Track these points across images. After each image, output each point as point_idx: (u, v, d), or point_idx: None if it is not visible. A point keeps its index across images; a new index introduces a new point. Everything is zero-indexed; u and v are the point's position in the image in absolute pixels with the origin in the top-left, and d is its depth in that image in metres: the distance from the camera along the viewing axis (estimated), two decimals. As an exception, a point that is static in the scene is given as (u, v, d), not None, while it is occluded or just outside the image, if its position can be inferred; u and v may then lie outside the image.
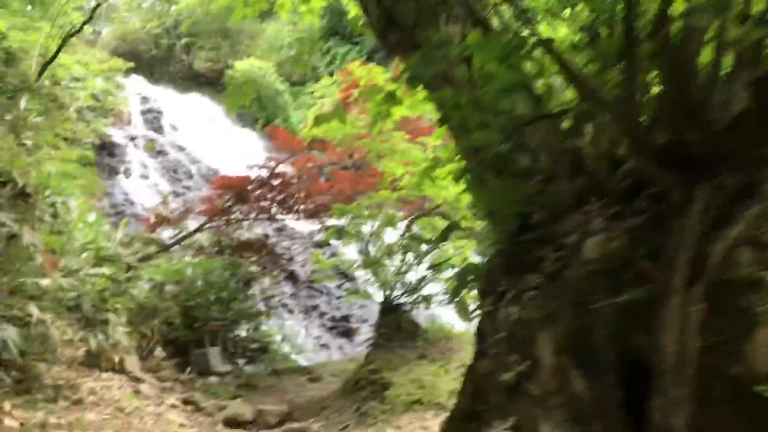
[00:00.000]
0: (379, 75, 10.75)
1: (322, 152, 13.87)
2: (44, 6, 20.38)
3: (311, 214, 14.13)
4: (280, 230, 25.24)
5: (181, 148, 29.63)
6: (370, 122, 7.15)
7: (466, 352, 9.58)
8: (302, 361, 15.90)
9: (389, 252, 10.72)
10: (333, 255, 23.46)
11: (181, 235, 14.71)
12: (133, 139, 29.16)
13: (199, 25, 40.74)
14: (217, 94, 38.79)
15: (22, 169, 7.89)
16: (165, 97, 35.65)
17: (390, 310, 11.01)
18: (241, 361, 14.05)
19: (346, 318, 20.71)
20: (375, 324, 11.06)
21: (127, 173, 26.01)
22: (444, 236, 6.50)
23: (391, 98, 7.37)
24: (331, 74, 35.88)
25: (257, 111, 36.45)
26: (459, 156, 4.98)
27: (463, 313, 6.12)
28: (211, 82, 39.53)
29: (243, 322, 14.76)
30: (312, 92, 36.59)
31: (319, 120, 7.07)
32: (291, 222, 24.47)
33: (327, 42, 39.72)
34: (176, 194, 24.56)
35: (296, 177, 13.08)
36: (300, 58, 6.25)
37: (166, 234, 15.88)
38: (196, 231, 14.28)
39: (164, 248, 14.53)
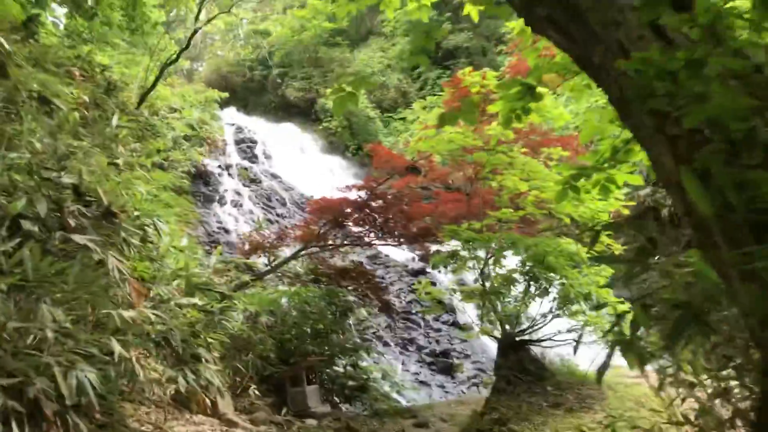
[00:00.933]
0: (494, 80, 9.47)
1: (426, 172, 12.71)
2: (144, 40, 20.60)
3: (412, 239, 12.92)
4: (373, 258, 24.28)
5: (274, 176, 29.47)
6: (501, 121, 5.87)
7: (609, 400, 7.96)
8: (402, 401, 14.56)
9: (510, 280, 9.30)
10: (432, 284, 22.24)
11: (276, 262, 13.85)
12: (227, 167, 29.21)
13: (291, 55, 41.13)
14: (309, 123, 38.94)
15: (110, 189, 7.12)
16: (258, 126, 36.00)
17: (511, 347, 9.54)
18: (338, 401, 12.88)
19: (446, 353, 19.26)
20: (495, 364, 9.61)
21: (222, 201, 25.89)
22: (593, 241, 5.05)
23: (529, 92, 6.03)
24: (423, 98, 35.13)
25: (348, 138, 36.04)
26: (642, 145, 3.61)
27: (636, 358, 4.71)
28: (303, 112, 39.60)
29: (340, 357, 13.66)
30: (403, 118, 35.89)
31: (444, 119, 5.87)
32: (385, 249, 23.55)
33: (418, 68, 39.05)
34: (270, 222, 24.15)
35: (396, 198, 11.93)
36: (418, 51, 5.22)
37: (261, 262, 15.13)
38: (291, 258, 13.38)
39: (259, 276, 13.70)
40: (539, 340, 9.46)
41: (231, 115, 37.24)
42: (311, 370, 11.85)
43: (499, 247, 9.44)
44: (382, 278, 21.85)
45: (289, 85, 40.65)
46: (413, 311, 21.21)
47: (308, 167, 31.07)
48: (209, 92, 32.11)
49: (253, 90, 43.22)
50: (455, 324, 20.63)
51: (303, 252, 13.28)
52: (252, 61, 43.45)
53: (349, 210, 12.34)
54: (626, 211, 8.61)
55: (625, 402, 7.87)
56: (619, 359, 3.58)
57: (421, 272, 23.24)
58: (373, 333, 19.19)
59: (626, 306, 8.73)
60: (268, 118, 39.04)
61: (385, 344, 19.47)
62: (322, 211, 12.45)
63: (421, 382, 17.87)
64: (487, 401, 9.04)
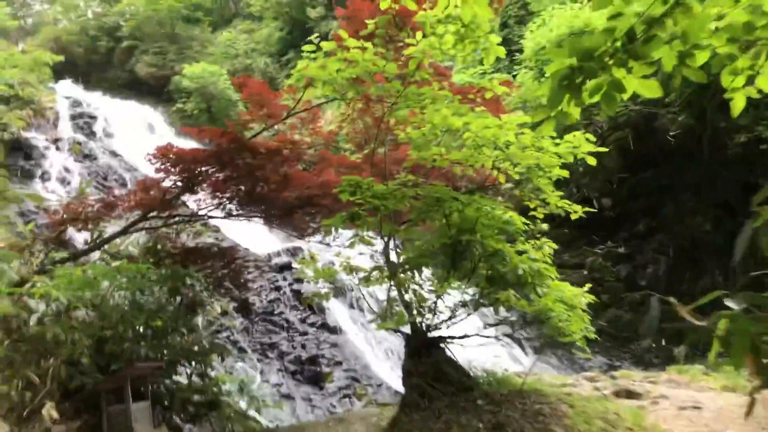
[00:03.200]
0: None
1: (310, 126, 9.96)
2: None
3: (287, 216, 10.11)
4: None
5: (114, 154, 25.18)
6: None
7: (573, 419, 5.68)
8: (263, 420, 11.60)
9: (426, 255, 6.82)
10: (297, 281, 19.37)
11: (101, 239, 10.39)
12: (56, 141, 24.55)
13: (144, 27, 36.50)
14: (162, 103, 34.52)
15: None
16: (100, 102, 31.37)
17: (424, 347, 7.04)
18: (179, 421, 9.68)
19: (313, 360, 16.47)
20: (403, 370, 7.03)
21: (45, 177, 21.39)
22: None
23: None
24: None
25: (206, 122, 32.22)
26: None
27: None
28: (155, 90, 35.11)
29: (184, 364, 10.46)
30: (269, 105, 32.69)
31: None
32: (245, 240, 20.33)
33: (286, 54, 36.17)
34: (104, 203, 20.08)
35: (271, 155, 9.07)
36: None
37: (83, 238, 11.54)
38: (123, 232, 10.01)
39: (77, 255, 10.18)
40: (461, 337, 7.04)
41: (68, 88, 32.27)
42: (141, 381, 8.60)
43: (414, 210, 6.94)
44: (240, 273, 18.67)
45: (141, 60, 35.93)
46: (275, 311, 18.22)
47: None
48: (39, 53, 27.00)
49: (98, 63, 37.98)
50: (325, 326, 17.90)
51: (139, 224, 9.97)
52: (97, 31, 38.16)
53: (205, 168, 9.28)
54: (592, 161, 6.49)
55: (594, 422, 5.69)
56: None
57: (287, 267, 20.26)
58: (227, 337, 16.10)
59: (579, 290, 6.53)
60: (114, 94, 34.24)
61: (241, 350, 16.35)
62: (171, 167, 9.28)
63: (284, 396, 14.99)
64: (395, 422, 6.45)
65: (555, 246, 7.26)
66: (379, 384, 15.78)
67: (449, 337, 7.06)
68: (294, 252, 20.90)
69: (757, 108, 13.55)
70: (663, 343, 16.25)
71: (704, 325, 2.99)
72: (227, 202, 10.03)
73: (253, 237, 21.58)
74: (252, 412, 11.41)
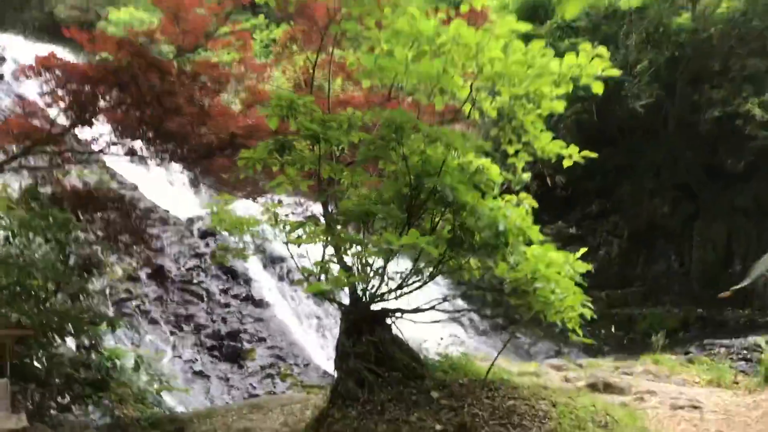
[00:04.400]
0: None
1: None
2: None
3: (205, 158, 8.32)
4: (148, 212, 18.84)
5: (21, 98, 22.47)
6: None
7: (561, 419, 4.24)
8: (170, 401, 9.85)
9: (373, 207, 5.24)
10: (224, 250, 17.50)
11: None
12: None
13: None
14: (84, 52, 31.50)
15: None
16: (11, 43, 28.21)
17: (364, 322, 5.49)
18: (55, 404, 7.83)
19: (234, 335, 14.71)
20: (337, 350, 5.45)
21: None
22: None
23: None
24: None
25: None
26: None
27: None
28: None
29: (73, 333, 8.56)
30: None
31: None
32: (164, 202, 18.25)
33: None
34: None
35: (186, 79, 7.27)
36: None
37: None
38: (-5, 167, 7.98)
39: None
40: (414, 311, 5.53)
41: (-31, 27, 28.91)
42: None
43: (365, 146, 5.34)
44: (158, 238, 16.70)
45: (61, 1, 32.60)
46: (194, 281, 16.32)
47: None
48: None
49: (15, 2, 34.36)
50: (249, 299, 16.15)
51: (16, 161, 7.98)
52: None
53: (102, 91, 7.37)
54: (598, 88, 5.03)
55: (586, 425, 4.30)
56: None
57: (211, 234, 18.28)
58: (138, 306, 14.24)
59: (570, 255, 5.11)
60: (32, 37, 30.98)
61: (153, 321, 14.45)
62: (56, 87, 7.32)
63: (197, 373, 13.26)
64: (323, 417, 4.88)
65: (535, 204, 5.82)
66: (306, 363, 14.20)
67: (398, 311, 5.53)
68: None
69: (733, 81, 12.62)
70: (612, 330, 15.36)
71: None
72: (131, 139, 8.14)
73: (177, 198, 19.48)
74: (157, 395, 9.62)
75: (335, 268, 5.55)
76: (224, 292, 16.23)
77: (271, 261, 16.91)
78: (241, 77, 8.41)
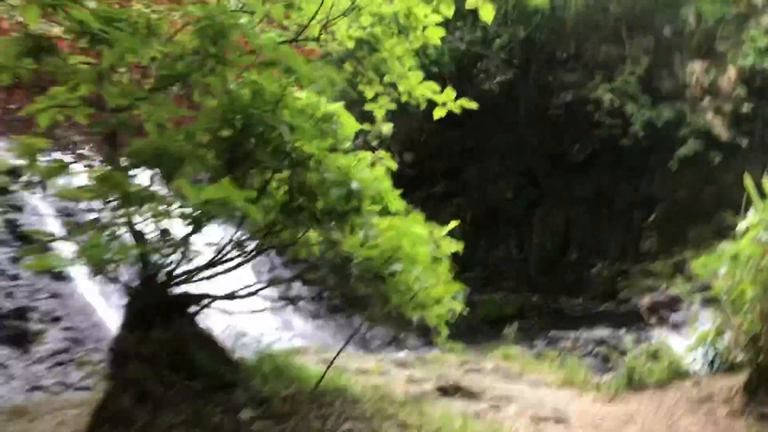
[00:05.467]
0: None
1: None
2: None
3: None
4: None
5: None
6: None
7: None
8: None
9: (173, 151, 3.71)
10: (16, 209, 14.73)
11: None
12: None
13: None
14: None
15: None
16: None
17: (156, 311, 3.95)
18: None
19: (20, 314, 12.20)
20: (111, 353, 3.85)
21: None
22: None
23: None
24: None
25: None
26: None
27: None
28: None
29: None
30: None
31: None
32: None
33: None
34: None
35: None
36: None
37: None
38: None
39: None
40: (227, 297, 4.08)
41: None
42: None
43: (166, 64, 3.77)
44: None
45: None
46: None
47: None
48: None
49: None
50: (46, 270, 13.59)
51: None
52: None
53: None
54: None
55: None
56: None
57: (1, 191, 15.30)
58: None
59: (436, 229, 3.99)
60: None
61: None
62: None
63: (-37, 359, 10.76)
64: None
65: (394, 165, 4.59)
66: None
67: (205, 296, 4.05)
68: (18, 172, 15.97)
69: (586, 66, 12.42)
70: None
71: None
72: None
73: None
74: None
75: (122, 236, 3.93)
76: (15, 261, 13.53)
77: (78, 225, 14.42)
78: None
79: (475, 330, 13.47)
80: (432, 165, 16.62)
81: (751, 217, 4.93)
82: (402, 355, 8.18)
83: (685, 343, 8.47)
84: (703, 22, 12.31)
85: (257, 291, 4.16)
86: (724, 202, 12.88)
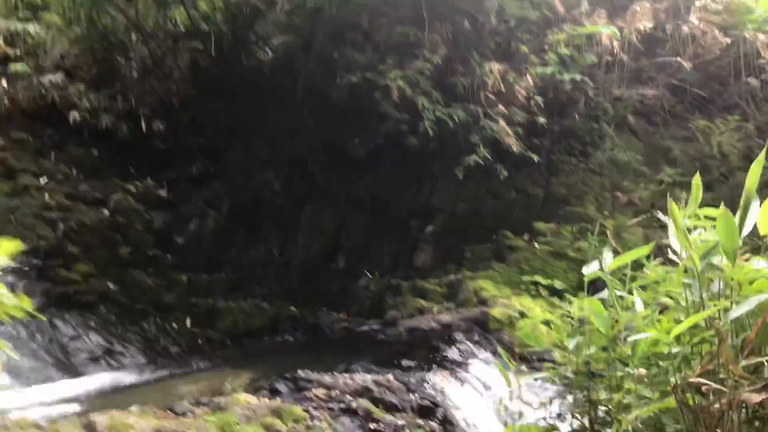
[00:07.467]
0: None
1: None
2: None
3: None
4: None
5: None
6: None
7: None
8: None
9: None
10: None
11: None
12: None
13: None
14: None
15: None
16: None
17: None
18: None
19: None
20: None
21: None
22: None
23: None
24: None
25: None
26: None
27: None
28: None
29: None
30: None
31: None
32: None
33: None
34: None
35: None
36: None
37: None
38: None
39: None
40: None
41: None
42: None
43: None
44: None
45: None
46: None
47: None
48: None
49: None
50: None
51: None
52: None
53: None
54: None
55: None
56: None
57: None
58: None
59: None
60: None
61: None
62: None
63: None
64: None
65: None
66: None
67: None
68: None
69: (378, 47, 10.61)
70: (188, 324, 12.18)
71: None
72: None
73: None
74: None
75: None
76: None
77: None
78: None
79: (213, 343, 10.97)
80: (190, 139, 13.71)
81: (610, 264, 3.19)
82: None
83: (472, 397, 6.85)
84: (503, 22, 11.25)
85: None
86: (506, 220, 12.03)
